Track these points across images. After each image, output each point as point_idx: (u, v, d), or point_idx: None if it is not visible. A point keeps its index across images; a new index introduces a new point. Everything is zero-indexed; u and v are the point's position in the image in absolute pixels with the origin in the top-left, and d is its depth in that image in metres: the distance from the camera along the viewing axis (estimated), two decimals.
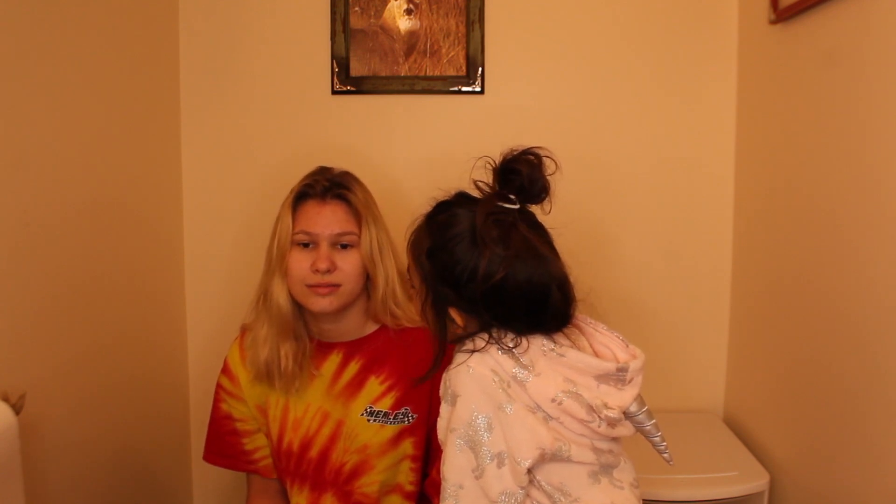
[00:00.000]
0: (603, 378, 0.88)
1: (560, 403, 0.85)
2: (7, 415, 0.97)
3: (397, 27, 1.63)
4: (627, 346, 0.93)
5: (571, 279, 0.91)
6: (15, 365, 1.07)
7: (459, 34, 1.63)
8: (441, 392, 0.91)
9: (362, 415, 1.20)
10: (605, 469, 0.90)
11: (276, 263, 1.17)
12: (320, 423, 1.22)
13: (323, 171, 1.22)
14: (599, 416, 0.86)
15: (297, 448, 1.23)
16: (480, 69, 1.63)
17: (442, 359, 0.94)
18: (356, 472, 1.21)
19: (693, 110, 1.65)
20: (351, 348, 1.23)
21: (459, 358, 0.89)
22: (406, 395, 1.20)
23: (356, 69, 1.64)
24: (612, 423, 0.88)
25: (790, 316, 1.37)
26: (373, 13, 1.63)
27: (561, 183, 0.90)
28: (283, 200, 1.21)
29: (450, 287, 0.90)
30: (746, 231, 1.60)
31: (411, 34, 1.64)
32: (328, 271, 1.14)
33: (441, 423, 0.90)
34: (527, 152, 0.89)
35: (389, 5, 1.63)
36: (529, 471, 0.85)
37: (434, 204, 0.95)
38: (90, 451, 1.30)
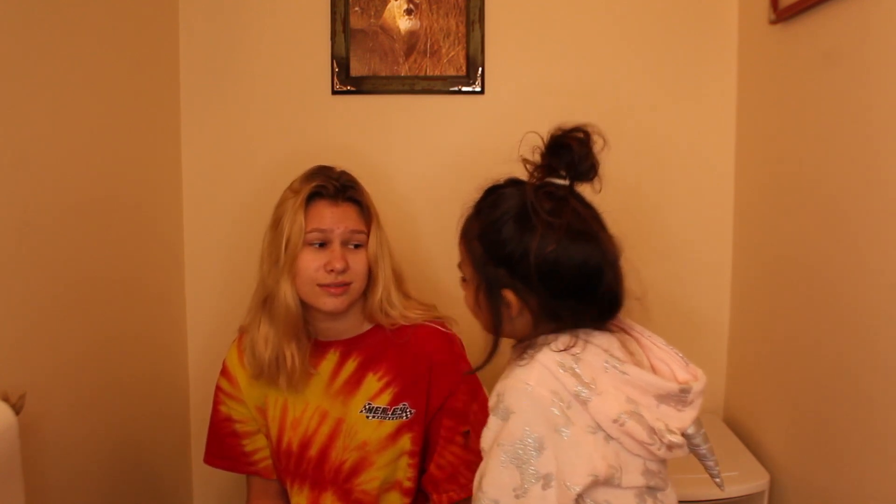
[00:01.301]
0: (664, 398, 0.85)
1: (622, 425, 0.82)
2: (7, 415, 0.97)
3: (397, 27, 1.63)
4: (687, 364, 0.89)
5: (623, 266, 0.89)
6: (15, 365, 1.07)
7: (459, 34, 1.63)
8: (491, 404, 0.87)
9: (361, 411, 1.21)
10: (651, 491, 0.87)
11: (285, 264, 1.16)
12: (319, 421, 1.22)
13: (324, 171, 1.22)
14: (661, 440, 0.83)
15: (297, 447, 1.23)
16: (480, 69, 1.63)
17: (496, 349, 0.91)
18: (356, 469, 1.21)
19: (693, 110, 1.65)
20: (347, 346, 1.23)
21: (517, 373, 0.85)
22: (404, 391, 1.21)
23: (356, 69, 1.64)
24: (671, 447, 0.84)
25: (790, 316, 1.37)
26: (373, 13, 1.63)
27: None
28: (279, 201, 1.21)
29: (504, 267, 0.87)
30: (747, 231, 1.60)
31: (411, 34, 1.64)
32: (343, 271, 1.15)
33: (487, 434, 0.87)
34: (576, 129, 0.88)
35: (389, 5, 1.63)
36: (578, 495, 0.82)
37: (483, 191, 0.93)
38: (90, 451, 1.30)
